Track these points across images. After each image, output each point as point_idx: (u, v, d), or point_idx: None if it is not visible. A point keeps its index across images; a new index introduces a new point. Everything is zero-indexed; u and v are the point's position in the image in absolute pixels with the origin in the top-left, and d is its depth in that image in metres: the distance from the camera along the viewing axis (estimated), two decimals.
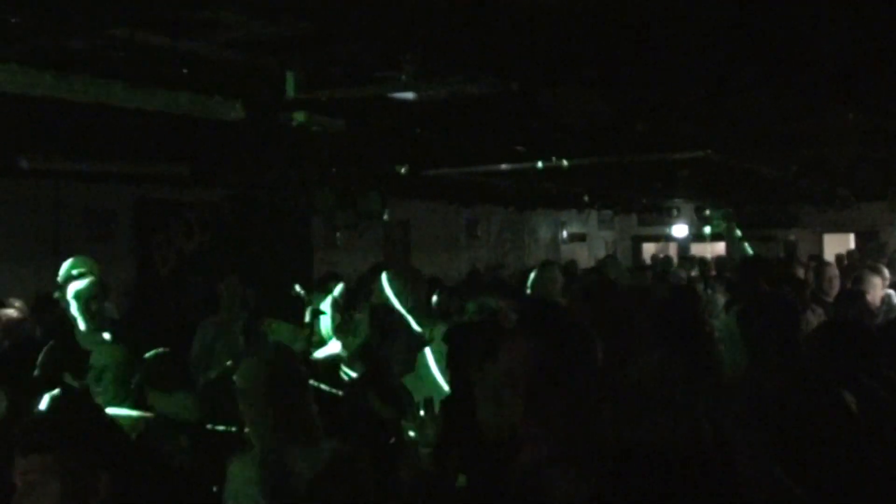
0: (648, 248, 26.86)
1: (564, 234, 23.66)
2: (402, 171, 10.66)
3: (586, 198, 15.64)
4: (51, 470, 2.83)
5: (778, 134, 8.83)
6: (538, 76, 5.49)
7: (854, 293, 8.35)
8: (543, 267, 8.44)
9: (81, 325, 6.36)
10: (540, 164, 10.35)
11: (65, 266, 6.71)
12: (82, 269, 6.36)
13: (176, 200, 13.24)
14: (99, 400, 5.26)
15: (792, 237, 22.92)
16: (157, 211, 13.15)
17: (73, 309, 6.34)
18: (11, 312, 9.52)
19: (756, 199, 18.62)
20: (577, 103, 5.62)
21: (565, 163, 10.29)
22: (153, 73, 5.48)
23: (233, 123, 6.40)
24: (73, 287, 6.29)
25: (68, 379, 5.78)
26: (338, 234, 15.45)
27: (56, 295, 6.52)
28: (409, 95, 5.61)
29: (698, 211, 20.34)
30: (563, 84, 5.54)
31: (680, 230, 23.60)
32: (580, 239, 24.12)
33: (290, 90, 5.63)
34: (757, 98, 6.58)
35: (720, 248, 23.96)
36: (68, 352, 6.15)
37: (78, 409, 2.93)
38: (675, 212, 20.83)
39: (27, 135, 7.88)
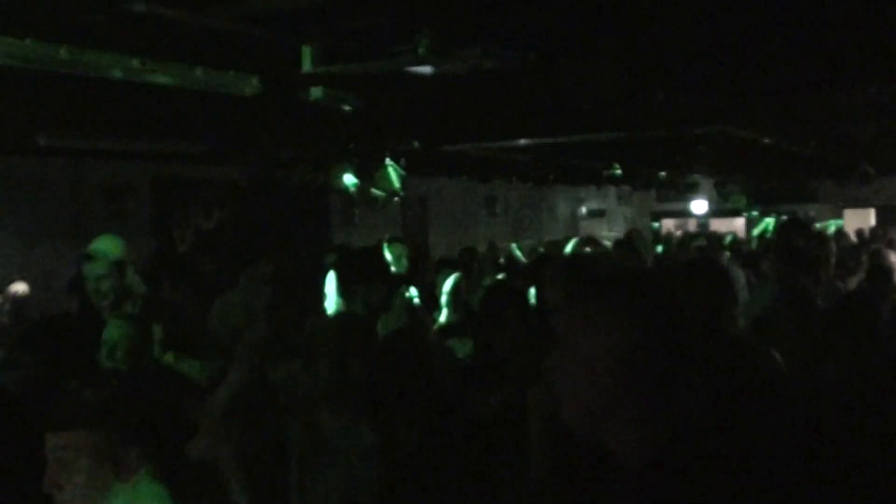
0: (667, 224, 26.80)
1: (583, 209, 23.61)
2: (419, 145, 10.63)
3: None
4: (80, 446, 2.86)
5: (798, 107, 8.76)
6: (556, 47, 5.44)
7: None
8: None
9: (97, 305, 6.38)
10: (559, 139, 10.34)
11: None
12: (96, 249, 6.36)
13: (194, 178, 13.25)
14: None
15: (812, 212, 22.85)
16: (176, 189, 13.17)
17: (87, 287, 6.35)
18: (21, 287, 9.59)
19: (776, 174, 18.54)
20: (596, 74, 5.57)
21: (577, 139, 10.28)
22: (169, 47, 5.46)
23: (250, 100, 6.38)
24: (85, 267, 6.30)
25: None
26: (356, 212, 15.48)
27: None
28: (427, 70, 5.57)
29: (717, 186, 20.29)
30: (582, 54, 5.49)
31: (699, 206, 23.52)
32: (599, 215, 24.06)
33: (307, 65, 5.60)
34: (777, 71, 6.52)
35: (739, 223, 23.91)
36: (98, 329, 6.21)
37: (107, 386, 2.93)
38: (693, 187, 20.75)
39: (44, 112, 7.88)
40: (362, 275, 6.06)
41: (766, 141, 11.07)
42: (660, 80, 6.73)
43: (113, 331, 5.42)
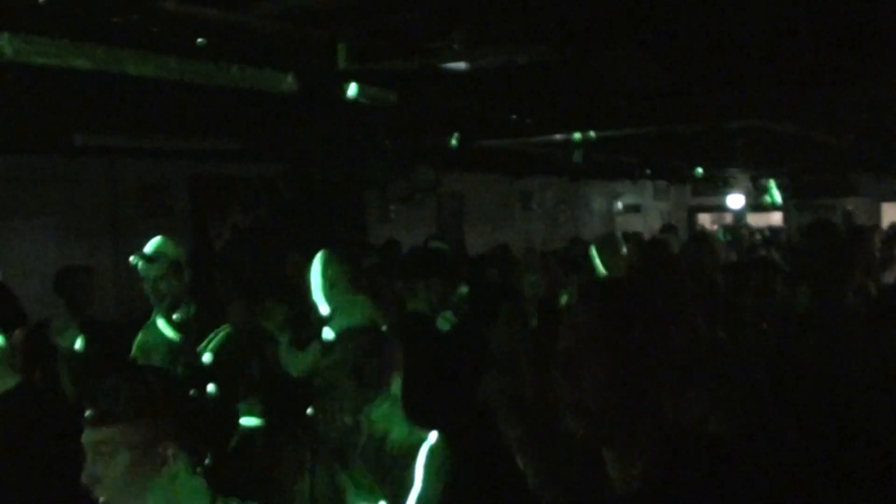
0: (704, 219, 26.70)
1: (619, 205, 23.53)
2: (453, 141, 10.63)
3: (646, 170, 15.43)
4: (117, 441, 2.89)
5: (836, 100, 8.70)
6: (591, 40, 5.42)
7: None
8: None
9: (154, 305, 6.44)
10: (592, 133, 10.32)
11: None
12: (156, 250, 6.41)
13: (230, 176, 13.30)
14: None
15: (850, 206, 22.68)
16: (212, 186, 13.22)
17: (145, 288, 6.41)
18: None
19: (813, 168, 18.41)
20: (632, 68, 5.55)
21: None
22: (205, 46, 5.47)
23: (285, 97, 6.39)
24: (143, 267, 6.35)
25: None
26: (391, 208, 15.49)
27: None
28: (462, 65, 5.57)
29: (754, 181, 20.16)
30: (618, 47, 5.47)
31: (735, 200, 23.41)
32: (635, 210, 23.97)
33: (342, 62, 5.61)
34: (815, 63, 6.48)
35: (776, 217, 23.78)
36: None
37: (144, 382, 2.95)
38: (730, 181, 20.64)
39: (81, 111, 7.93)
40: (423, 272, 6.10)
41: (804, 134, 11.00)
42: (696, 73, 6.70)
43: (148, 335, 5.47)
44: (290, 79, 6.16)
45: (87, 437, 2.93)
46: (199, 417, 3.00)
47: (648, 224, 22.79)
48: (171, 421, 2.92)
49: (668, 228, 16.00)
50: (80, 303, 7.63)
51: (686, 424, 2.55)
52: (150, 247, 6.39)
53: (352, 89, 6.53)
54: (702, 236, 11.77)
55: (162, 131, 9.49)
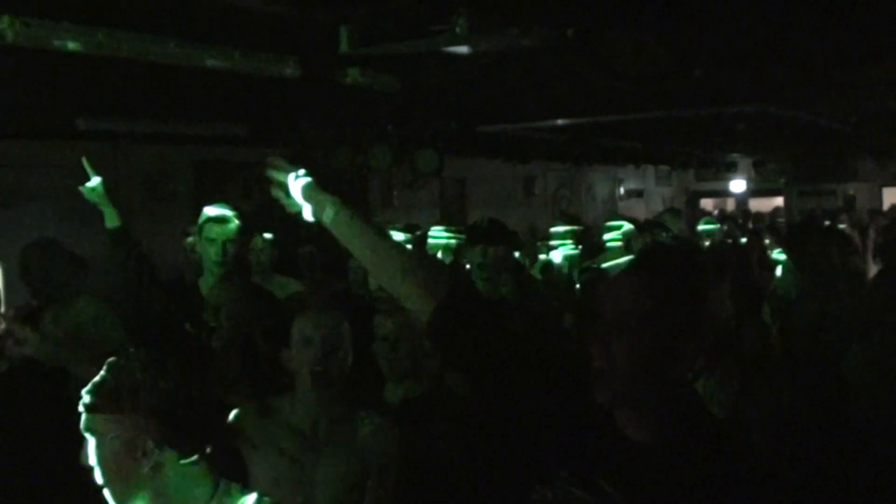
0: (706, 204, 26.69)
1: (622, 190, 23.52)
2: (457, 126, 10.63)
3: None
4: (100, 431, 2.93)
5: (837, 84, 8.68)
6: (594, 23, 5.41)
7: None
8: None
9: (214, 268, 6.44)
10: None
11: (204, 211, 6.78)
12: (223, 214, 6.44)
13: (234, 161, 13.29)
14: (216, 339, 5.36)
15: (851, 191, 22.68)
16: (215, 171, 13.21)
17: (209, 251, 6.42)
18: None
19: (815, 153, 18.40)
20: (635, 50, 5.54)
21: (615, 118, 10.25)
22: (206, 29, 5.47)
23: (288, 82, 6.39)
24: (213, 229, 6.37)
25: (188, 327, 5.89)
26: (395, 193, 15.49)
27: (191, 239, 6.60)
28: (464, 49, 5.56)
29: (756, 165, 20.17)
30: (620, 28, 5.45)
31: (738, 185, 23.40)
32: (637, 195, 23.97)
33: (345, 46, 5.60)
34: (816, 45, 6.46)
35: (778, 202, 23.78)
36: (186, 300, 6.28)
37: (128, 375, 2.97)
38: (732, 166, 20.63)
39: (84, 96, 7.92)
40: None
41: (806, 118, 10.99)
42: (698, 56, 6.69)
43: (219, 293, 5.49)
44: (292, 63, 6.15)
45: (81, 421, 2.98)
46: (189, 408, 3.00)
47: (651, 209, 22.77)
48: (149, 416, 2.93)
49: (669, 212, 16.00)
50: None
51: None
52: (215, 212, 6.42)
53: (354, 73, 6.53)
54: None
55: (165, 116, 9.48)
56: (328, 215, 3.31)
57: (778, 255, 9.67)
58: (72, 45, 4.93)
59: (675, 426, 2.44)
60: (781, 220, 19.19)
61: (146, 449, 2.93)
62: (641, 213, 21.59)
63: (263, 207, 12.71)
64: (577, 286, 8.80)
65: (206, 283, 6.46)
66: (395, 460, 4.33)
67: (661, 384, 2.43)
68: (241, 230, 6.46)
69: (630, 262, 2.64)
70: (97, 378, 2.98)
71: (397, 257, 3.12)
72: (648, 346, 2.40)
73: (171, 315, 6.14)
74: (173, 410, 2.96)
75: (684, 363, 2.42)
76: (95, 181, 6.07)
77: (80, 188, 6.28)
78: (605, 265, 8.65)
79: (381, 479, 4.29)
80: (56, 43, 4.88)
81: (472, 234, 6.59)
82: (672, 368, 2.42)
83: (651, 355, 2.40)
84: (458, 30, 5.10)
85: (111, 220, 6.19)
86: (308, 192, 3.38)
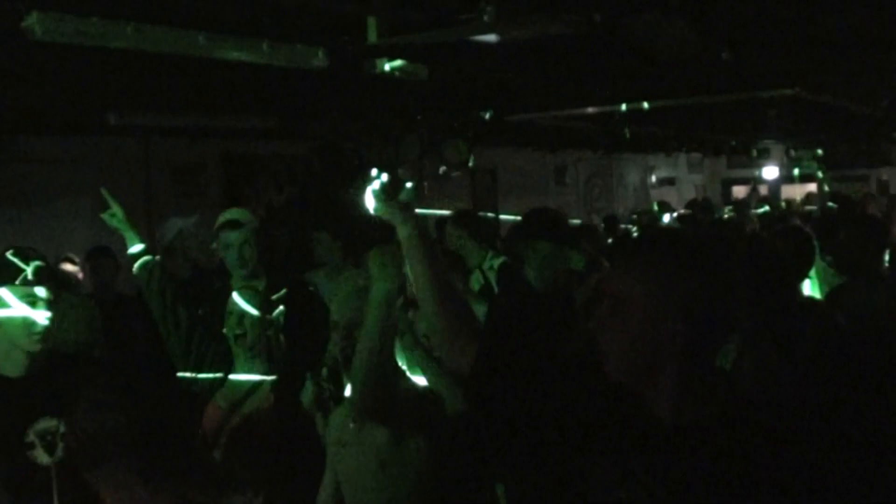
0: (738, 191, 26.55)
1: (653, 178, 23.44)
2: (486, 116, 10.60)
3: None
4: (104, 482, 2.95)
5: (868, 67, 8.61)
6: (623, 7, 5.37)
7: None
8: None
9: (236, 272, 6.47)
10: (624, 106, 10.26)
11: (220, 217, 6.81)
12: (236, 217, 6.46)
13: (263, 154, 13.33)
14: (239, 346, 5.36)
15: (884, 176, 22.54)
16: (245, 165, 13.25)
17: (227, 256, 6.45)
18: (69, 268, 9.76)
19: (846, 138, 18.28)
20: (665, 34, 5.49)
21: (645, 105, 10.19)
22: (234, 22, 5.47)
23: (317, 74, 6.38)
24: (228, 235, 6.39)
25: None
26: (425, 184, 15.46)
27: (213, 245, 6.64)
28: (492, 38, 5.54)
29: (788, 152, 20.06)
30: (648, 11, 5.41)
31: (770, 172, 23.27)
32: (669, 183, 23.88)
33: (373, 36, 5.59)
34: (845, 28, 6.40)
35: (811, 189, 23.64)
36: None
37: (115, 423, 2.98)
38: (764, 153, 20.51)
39: (114, 91, 7.95)
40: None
41: (836, 104, 10.90)
42: (729, 41, 6.64)
43: (242, 298, 5.49)
44: (320, 54, 6.14)
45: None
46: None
47: (683, 197, 22.68)
48: (137, 463, 2.94)
49: (693, 205, 15.98)
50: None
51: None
52: (228, 216, 6.45)
53: (382, 64, 6.53)
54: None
55: (194, 110, 9.51)
56: (403, 232, 3.35)
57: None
58: (101, 41, 4.94)
59: (695, 406, 2.42)
60: (813, 206, 19.07)
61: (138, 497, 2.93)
62: (673, 200, 21.53)
63: (292, 199, 12.74)
64: None
65: (235, 285, 6.46)
66: None
67: (663, 365, 2.42)
68: (256, 231, 6.46)
69: (632, 243, 2.65)
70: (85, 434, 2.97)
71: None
72: (640, 327, 2.40)
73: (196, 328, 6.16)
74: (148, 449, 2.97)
75: (687, 343, 2.39)
76: (115, 208, 6.18)
77: (101, 215, 6.45)
78: None
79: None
80: (85, 38, 4.88)
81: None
82: (668, 349, 2.40)
83: (646, 336, 2.40)
84: (485, 18, 5.07)
85: (132, 242, 6.28)
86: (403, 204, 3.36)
